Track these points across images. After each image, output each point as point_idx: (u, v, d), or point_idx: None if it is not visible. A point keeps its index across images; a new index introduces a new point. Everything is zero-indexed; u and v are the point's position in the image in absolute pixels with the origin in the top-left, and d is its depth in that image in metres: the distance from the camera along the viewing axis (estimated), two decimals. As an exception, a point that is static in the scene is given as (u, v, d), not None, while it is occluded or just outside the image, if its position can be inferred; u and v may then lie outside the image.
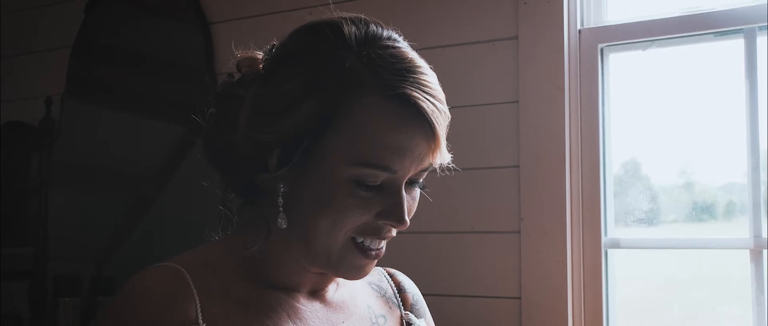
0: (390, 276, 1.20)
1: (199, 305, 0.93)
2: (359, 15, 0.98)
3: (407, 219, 0.96)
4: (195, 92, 2.35)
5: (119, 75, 2.62)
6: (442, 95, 0.95)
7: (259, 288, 1.00)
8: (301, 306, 1.02)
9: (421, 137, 0.93)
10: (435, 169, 0.98)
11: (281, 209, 0.97)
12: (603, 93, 1.95)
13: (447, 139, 0.97)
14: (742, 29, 1.83)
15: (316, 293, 1.05)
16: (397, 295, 1.17)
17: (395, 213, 0.95)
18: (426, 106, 0.91)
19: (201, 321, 0.93)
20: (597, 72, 1.94)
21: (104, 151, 2.61)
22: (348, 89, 0.92)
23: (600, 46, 1.95)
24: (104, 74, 2.65)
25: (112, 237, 2.59)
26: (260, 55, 1.03)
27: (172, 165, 2.51)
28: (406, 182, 0.96)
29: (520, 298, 1.94)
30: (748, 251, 1.81)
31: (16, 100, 2.78)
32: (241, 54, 1.04)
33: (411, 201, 0.99)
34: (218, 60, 2.38)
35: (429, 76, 0.95)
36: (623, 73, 1.98)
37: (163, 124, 2.51)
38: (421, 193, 1.01)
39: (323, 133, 0.93)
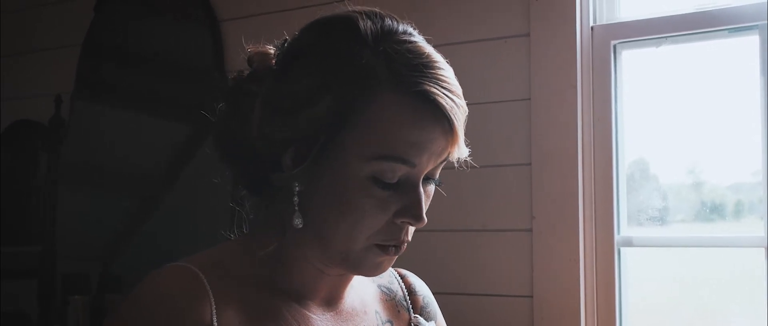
0: (401, 278, 1.17)
1: (214, 307, 0.91)
2: (374, 8, 0.96)
3: (424, 217, 0.94)
4: (204, 91, 2.34)
5: (127, 74, 2.62)
6: (459, 90, 0.94)
7: (272, 293, 0.98)
8: (313, 316, 1.00)
9: (439, 133, 0.91)
10: (452, 164, 0.97)
11: (297, 209, 0.95)
12: (616, 90, 1.94)
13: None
14: (756, 26, 1.81)
15: (330, 302, 1.03)
16: (408, 298, 1.15)
17: (413, 211, 0.93)
18: (445, 102, 0.90)
19: (216, 324, 0.91)
20: (610, 69, 1.93)
21: (112, 150, 2.61)
22: (365, 86, 0.90)
23: (613, 42, 1.93)
24: (113, 74, 2.65)
25: (119, 237, 2.58)
26: (272, 49, 1.01)
27: (180, 165, 2.50)
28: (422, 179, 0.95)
29: (531, 297, 1.93)
30: (763, 249, 1.80)
31: (25, 97, 2.78)
32: (253, 49, 1.02)
33: (425, 198, 0.97)
34: (228, 58, 2.36)
35: (446, 71, 0.93)
36: (636, 70, 1.96)
37: (171, 123, 2.50)
38: (436, 191, 0.99)
39: (339, 131, 0.91)
